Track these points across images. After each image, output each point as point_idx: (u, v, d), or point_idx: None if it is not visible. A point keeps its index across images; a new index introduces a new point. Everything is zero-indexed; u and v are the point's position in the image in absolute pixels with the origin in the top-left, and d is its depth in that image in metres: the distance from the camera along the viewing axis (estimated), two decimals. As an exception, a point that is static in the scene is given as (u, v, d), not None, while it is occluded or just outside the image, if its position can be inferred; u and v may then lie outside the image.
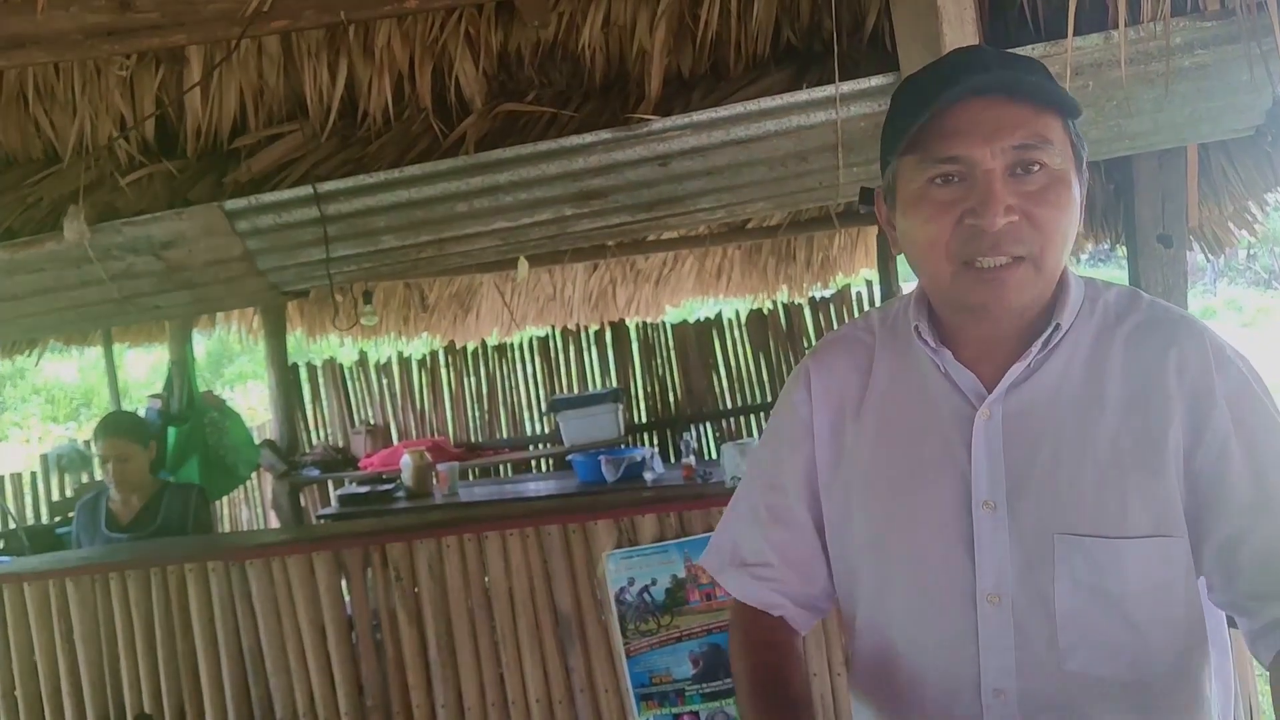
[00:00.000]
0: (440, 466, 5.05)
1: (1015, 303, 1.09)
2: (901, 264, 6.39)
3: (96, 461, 3.50)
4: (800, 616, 1.33)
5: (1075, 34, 2.14)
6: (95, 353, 6.70)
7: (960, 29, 2.17)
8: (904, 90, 1.16)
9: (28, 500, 5.59)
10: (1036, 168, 1.06)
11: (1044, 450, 1.11)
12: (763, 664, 1.26)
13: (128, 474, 3.48)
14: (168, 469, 4.52)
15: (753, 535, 1.33)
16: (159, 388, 5.08)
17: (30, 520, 5.27)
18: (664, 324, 6.84)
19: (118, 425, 3.64)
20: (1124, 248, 3.04)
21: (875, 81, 2.44)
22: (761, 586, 1.31)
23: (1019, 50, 1.89)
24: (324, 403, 6.65)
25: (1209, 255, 4.01)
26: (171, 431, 4.66)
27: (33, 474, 5.62)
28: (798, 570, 1.30)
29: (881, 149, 1.19)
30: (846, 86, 2.43)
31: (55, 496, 5.49)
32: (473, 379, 6.68)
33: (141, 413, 4.89)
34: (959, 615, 1.13)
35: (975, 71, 1.07)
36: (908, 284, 6.54)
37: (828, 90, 2.45)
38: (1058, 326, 1.12)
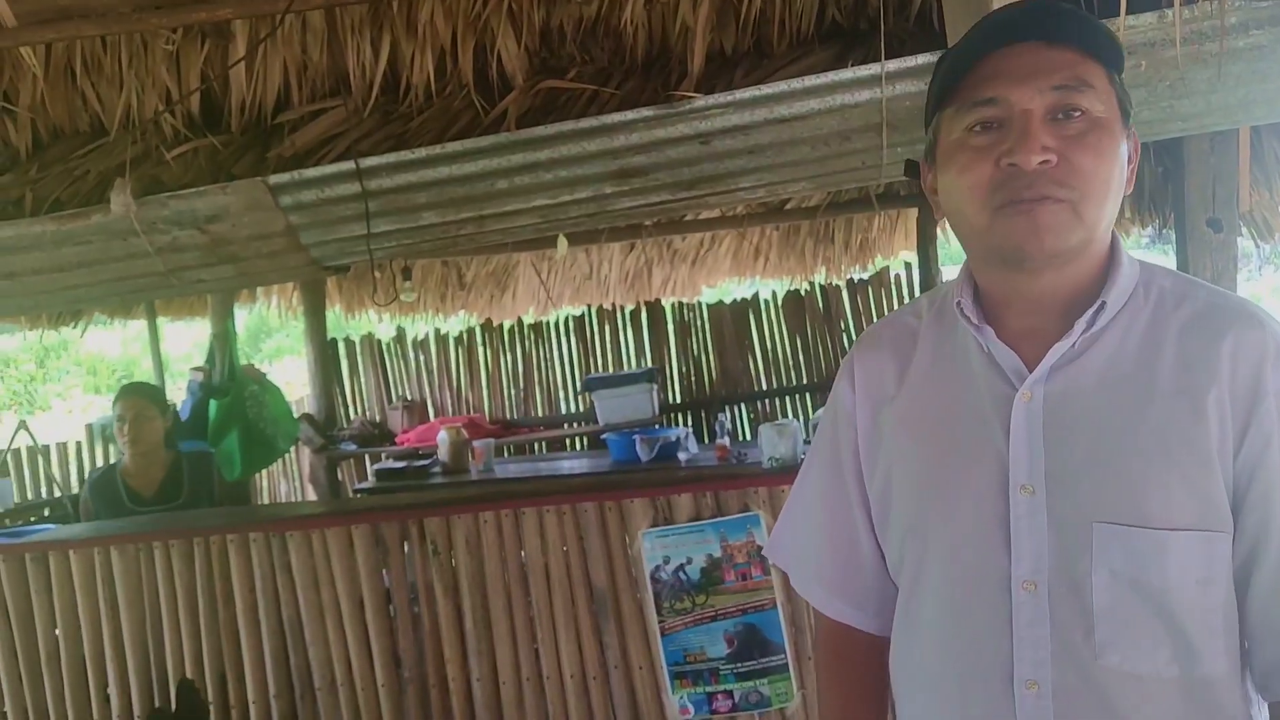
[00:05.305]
0: (476, 443, 5.07)
1: (1051, 245, 1.05)
2: (942, 247, 6.32)
3: (115, 425, 3.50)
4: (881, 623, 1.32)
5: (1128, 12, 2.10)
6: (137, 326, 6.80)
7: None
8: (947, 51, 1.15)
9: (73, 469, 5.70)
10: (1077, 113, 1.04)
11: (1086, 435, 1.08)
12: (840, 706, 1.35)
13: (144, 433, 3.47)
14: (209, 441, 4.59)
15: (817, 541, 1.34)
16: (200, 361, 5.15)
17: (76, 489, 5.37)
18: (700, 304, 6.81)
19: (137, 388, 3.77)
20: (1173, 231, 2.99)
21: (922, 60, 2.40)
22: (834, 599, 1.33)
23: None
24: (361, 378, 6.70)
25: (1258, 241, 3.94)
26: (213, 404, 4.73)
27: (78, 444, 5.73)
28: (859, 573, 1.31)
29: (925, 112, 1.18)
30: (893, 65, 2.40)
31: (100, 465, 5.59)
32: (509, 357, 6.70)
33: (184, 385, 4.96)
34: (994, 601, 1.10)
35: (1014, 14, 1.06)
36: (947, 267, 6.48)
37: (873, 69, 2.42)
38: (1103, 305, 1.09)
